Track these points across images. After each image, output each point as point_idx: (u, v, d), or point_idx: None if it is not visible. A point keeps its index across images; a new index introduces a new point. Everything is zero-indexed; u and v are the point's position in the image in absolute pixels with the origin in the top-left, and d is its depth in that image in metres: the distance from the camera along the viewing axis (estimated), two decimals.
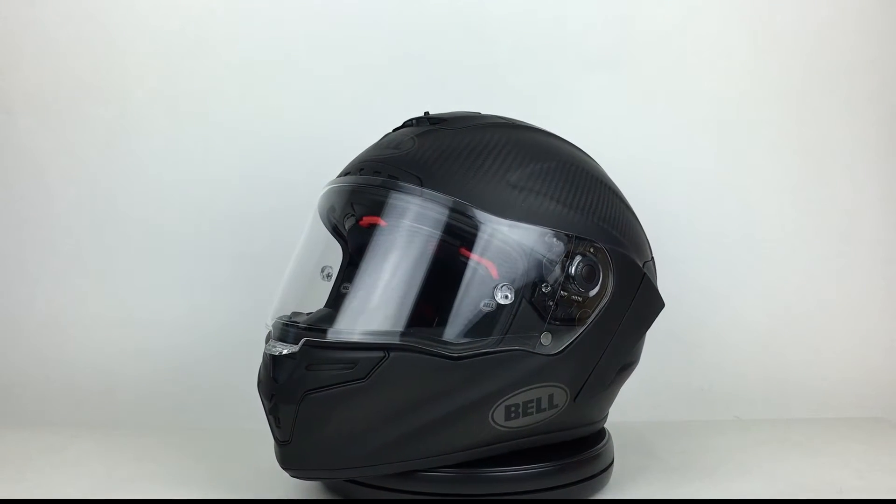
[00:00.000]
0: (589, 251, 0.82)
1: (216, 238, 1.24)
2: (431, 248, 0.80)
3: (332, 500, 0.88)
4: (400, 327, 0.78)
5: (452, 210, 0.79)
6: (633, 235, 0.87)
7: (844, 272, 1.30)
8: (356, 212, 0.86)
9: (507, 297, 0.79)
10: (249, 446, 1.04)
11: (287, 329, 0.82)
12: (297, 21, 1.25)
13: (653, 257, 0.91)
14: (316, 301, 0.89)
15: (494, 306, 0.79)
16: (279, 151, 1.24)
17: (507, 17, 1.27)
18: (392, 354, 0.77)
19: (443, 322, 0.79)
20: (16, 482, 0.93)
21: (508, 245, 0.79)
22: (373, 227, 0.84)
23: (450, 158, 0.81)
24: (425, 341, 0.78)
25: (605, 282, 0.83)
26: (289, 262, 0.90)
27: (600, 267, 0.83)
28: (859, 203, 1.30)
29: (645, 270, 0.87)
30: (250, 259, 1.23)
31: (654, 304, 0.89)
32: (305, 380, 0.78)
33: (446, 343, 0.78)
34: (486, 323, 0.79)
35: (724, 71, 1.29)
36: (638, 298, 0.86)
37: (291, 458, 0.82)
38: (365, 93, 1.25)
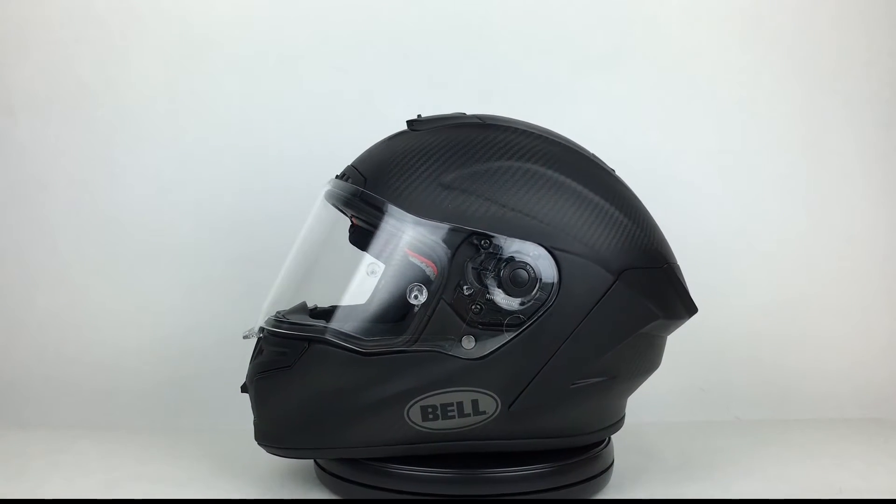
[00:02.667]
0: (528, 256, 0.79)
1: (216, 238, 1.24)
2: (363, 246, 0.85)
3: (332, 500, 0.88)
4: (324, 320, 0.86)
5: (379, 210, 0.82)
6: (604, 241, 0.81)
7: (844, 272, 1.29)
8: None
9: (417, 297, 0.80)
10: (249, 446, 1.04)
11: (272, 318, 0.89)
12: (297, 22, 1.25)
13: (664, 265, 0.85)
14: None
15: (408, 306, 0.81)
16: (280, 152, 1.24)
17: (506, 17, 1.27)
18: (312, 346, 0.83)
19: (361, 318, 0.84)
20: (16, 482, 0.93)
21: (428, 246, 0.80)
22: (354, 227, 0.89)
23: (396, 159, 0.83)
24: (342, 335, 0.82)
25: (548, 288, 0.80)
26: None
27: (539, 272, 0.79)
28: (860, 203, 1.30)
29: (622, 278, 0.81)
30: (250, 259, 1.23)
31: (638, 314, 0.83)
32: (257, 364, 0.88)
33: (360, 339, 0.81)
34: (401, 322, 0.81)
35: (724, 71, 1.29)
36: (603, 307, 0.80)
37: (257, 433, 0.90)
38: (365, 93, 1.25)
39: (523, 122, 0.89)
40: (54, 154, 1.24)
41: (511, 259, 0.79)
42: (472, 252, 0.80)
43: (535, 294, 0.79)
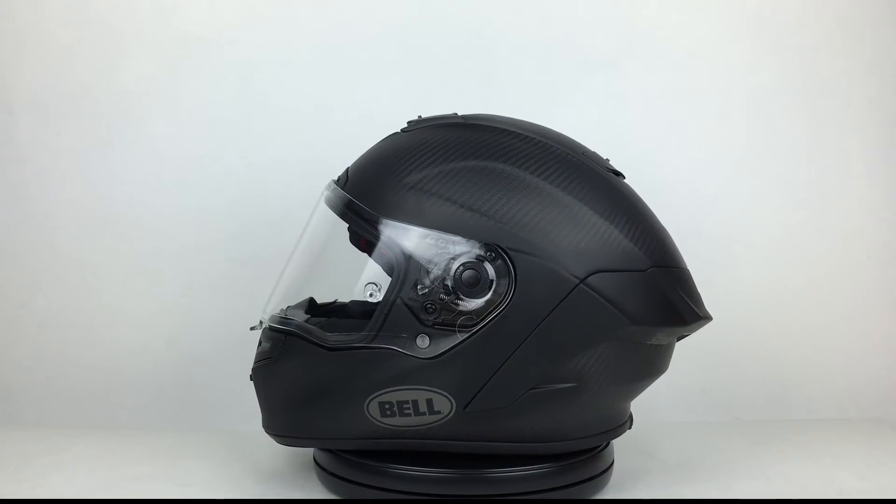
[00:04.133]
0: (481, 256, 0.79)
1: (216, 238, 1.24)
2: (337, 244, 0.87)
3: (332, 500, 0.88)
4: (301, 315, 0.89)
5: (348, 208, 0.84)
6: (568, 242, 0.79)
7: (845, 273, 1.30)
8: None
9: (372, 294, 0.83)
10: (249, 446, 1.04)
11: None
12: (298, 22, 1.25)
13: (650, 268, 0.81)
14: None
15: (366, 303, 0.84)
16: (280, 152, 1.24)
17: (507, 18, 1.27)
18: (288, 338, 0.85)
19: (330, 314, 0.91)
20: (16, 482, 0.93)
21: (386, 245, 0.81)
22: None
23: (376, 161, 0.87)
24: (309, 330, 0.84)
25: (502, 290, 0.79)
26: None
27: (492, 273, 0.79)
28: (860, 204, 1.30)
29: (588, 282, 0.78)
30: (250, 260, 1.23)
31: (602, 320, 0.79)
32: (256, 355, 0.91)
33: (325, 334, 0.83)
34: (362, 318, 0.83)
35: (724, 71, 1.29)
36: (563, 311, 0.78)
37: (263, 420, 0.91)
38: (365, 94, 1.25)
39: (514, 120, 0.89)
40: (54, 154, 1.24)
41: (464, 259, 0.79)
42: (428, 251, 0.80)
43: (488, 295, 0.79)
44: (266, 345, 0.89)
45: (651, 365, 0.86)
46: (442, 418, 0.81)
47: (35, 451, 1.03)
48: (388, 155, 0.85)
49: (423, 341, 0.80)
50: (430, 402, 0.80)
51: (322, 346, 0.83)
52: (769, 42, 1.29)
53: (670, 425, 1.15)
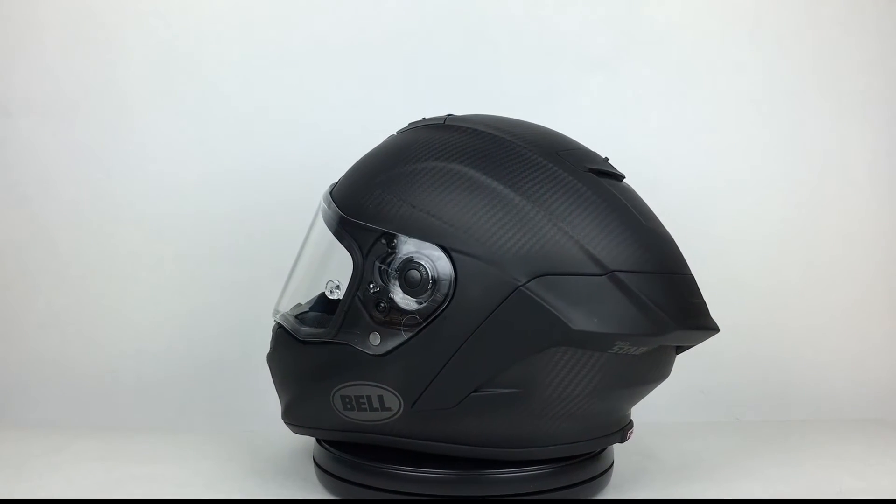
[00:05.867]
0: (427, 257, 0.79)
1: (216, 238, 1.24)
2: (322, 243, 0.89)
3: (332, 500, 0.88)
4: (288, 309, 0.93)
5: (328, 206, 0.87)
6: (512, 245, 0.77)
7: (844, 273, 1.30)
8: None
9: (332, 292, 0.86)
10: (249, 447, 1.04)
11: None
12: (297, 23, 1.25)
13: (608, 272, 0.77)
14: None
15: (330, 300, 0.88)
16: (280, 153, 1.24)
17: (507, 18, 1.27)
18: (278, 329, 0.91)
19: (307, 309, 0.95)
20: (16, 482, 0.93)
21: (349, 244, 0.83)
22: None
23: (360, 161, 0.89)
24: (292, 322, 0.89)
25: (444, 291, 0.78)
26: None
27: (434, 274, 0.79)
28: (861, 204, 1.30)
29: (529, 285, 0.76)
30: (250, 260, 1.23)
31: (544, 325, 0.76)
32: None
33: (300, 327, 0.88)
34: (329, 314, 0.87)
35: (723, 71, 1.29)
36: (503, 314, 0.77)
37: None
38: (365, 94, 1.25)
39: (498, 121, 0.87)
40: (54, 154, 1.24)
41: (410, 259, 0.80)
42: (381, 251, 0.81)
43: (430, 296, 0.79)
44: (272, 336, 0.94)
45: (623, 375, 0.81)
46: (392, 415, 0.82)
47: (35, 451, 1.03)
48: (369, 157, 0.89)
49: (375, 338, 0.82)
50: (381, 399, 0.82)
51: (296, 339, 0.87)
52: (769, 42, 1.29)
53: (670, 426, 1.15)
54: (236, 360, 1.22)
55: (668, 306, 0.79)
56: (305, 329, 0.88)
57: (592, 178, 0.82)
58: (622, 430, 0.87)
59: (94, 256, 1.24)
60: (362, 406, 0.83)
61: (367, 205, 0.83)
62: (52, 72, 1.23)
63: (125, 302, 1.24)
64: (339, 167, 0.91)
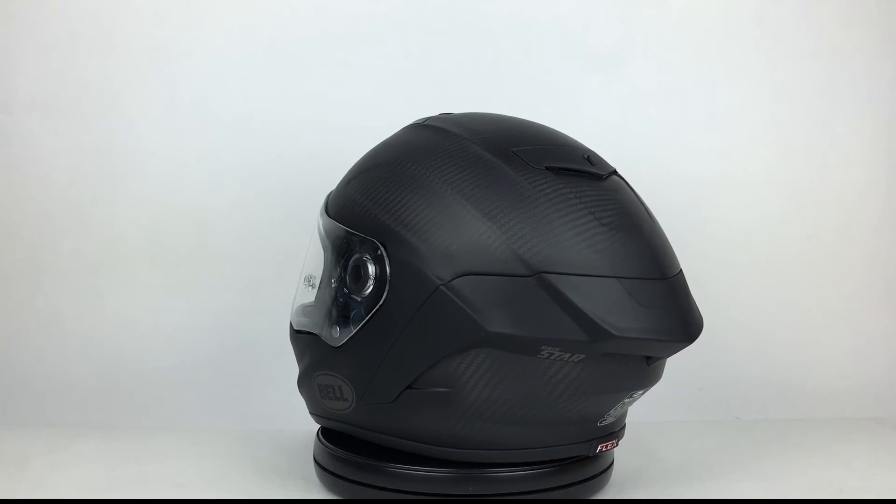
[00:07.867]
0: (368, 253, 0.81)
1: (217, 238, 1.24)
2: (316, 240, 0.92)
3: (332, 500, 0.88)
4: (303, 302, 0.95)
5: (321, 207, 0.91)
6: (441, 243, 0.77)
7: (844, 272, 1.30)
8: None
9: (312, 286, 0.89)
10: (249, 446, 1.04)
11: None
12: (297, 22, 1.25)
13: (537, 274, 0.74)
14: None
15: (311, 293, 0.91)
16: (280, 153, 1.24)
17: (507, 18, 1.27)
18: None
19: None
20: (16, 482, 0.93)
21: (323, 241, 0.88)
22: None
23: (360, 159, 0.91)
24: (295, 313, 0.92)
25: (380, 287, 0.80)
26: None
27: (373, 271, 0.80)
28: (860, 203, 1.30)
29: (451, 285, 0.76)
30: (250, 260, 1.23)
31: (459, 326, 0.75)
32: None
33: (294, 316, 0.92)
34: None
35: (724, 71, 1.29)
36: (427, 313, 0.77)
37: None
38: (365, 94, 1.25)
39: (478, 118, 0.87)
40: (54, 154, 1.24)
41: (359, 256, 0.82)
42: (342, 247, 0.85)
43: (372, 291, 0.81)
44: None
45: (565, 383, 0.77)
46: (349, 406, 0.84)
47: (35, 451, 1.03)
48: (363, 156, 0.91)
49: (335, 331, 0.84)
50: (340, 389, 0.84)
51: (293, 329, 0.92)
52: (770, 41, 1.29)
53: (670, 425, 1.15)
54: (236, 359, 1.22)
55: (610, 313, 0.75)
56: (297, 318, 0.92)
57: (546, 176, 0.79)
58: (590, 442, 0.84)
59: (94, 256, 1.24)
60: (330, 395, 0.86)
61: (339, 202, 0.87)
62: (53, 71, 1.23)
63: (125, 301, 1.24)
64: (341, 167, 0.91)
